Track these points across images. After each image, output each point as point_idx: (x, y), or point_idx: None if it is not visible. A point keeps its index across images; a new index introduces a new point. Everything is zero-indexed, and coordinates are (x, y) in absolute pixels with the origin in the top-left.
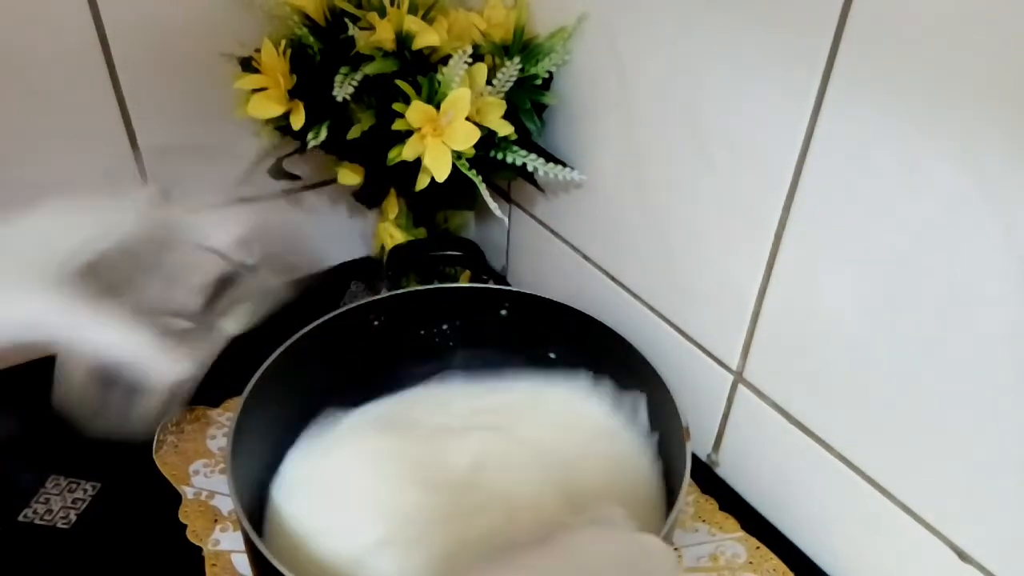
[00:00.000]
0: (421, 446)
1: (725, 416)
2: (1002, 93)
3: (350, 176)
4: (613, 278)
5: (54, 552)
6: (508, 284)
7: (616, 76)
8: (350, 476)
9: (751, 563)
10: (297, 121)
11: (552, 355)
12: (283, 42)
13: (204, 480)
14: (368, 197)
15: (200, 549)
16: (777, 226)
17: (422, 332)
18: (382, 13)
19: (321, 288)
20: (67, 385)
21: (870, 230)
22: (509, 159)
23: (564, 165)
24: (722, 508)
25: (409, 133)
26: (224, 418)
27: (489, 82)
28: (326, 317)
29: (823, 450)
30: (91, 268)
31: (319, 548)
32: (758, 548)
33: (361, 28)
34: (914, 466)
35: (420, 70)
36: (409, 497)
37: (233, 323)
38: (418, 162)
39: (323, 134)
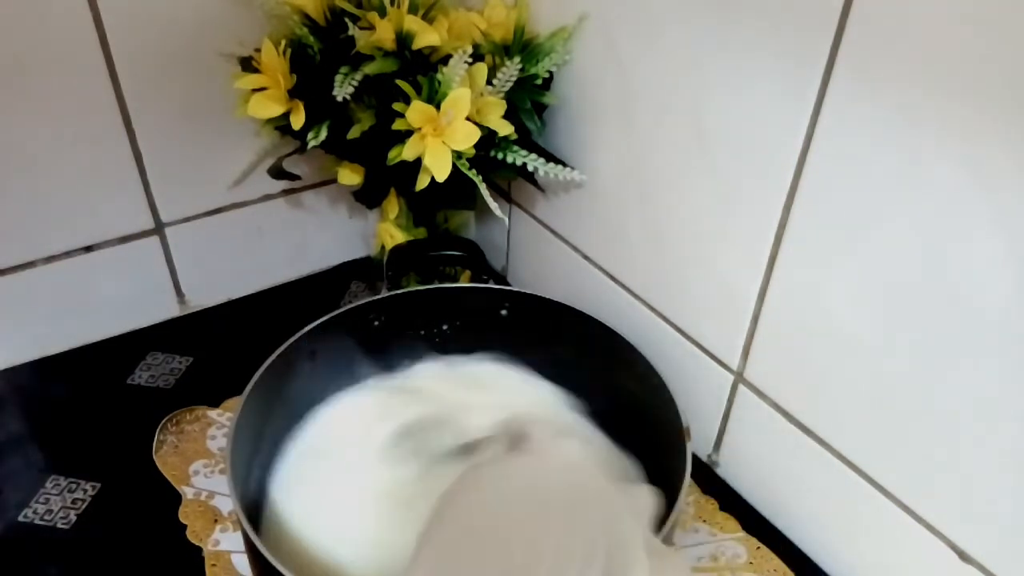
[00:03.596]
0: (421, 446)
1: (725, 416)
2: (1003, 92)
3: (350, 176)
4: (613, 278)
5: (54, 552)
6: (508, 284)
7: (616, 76)
8: (350, 475)
9: (752, 563)
10: (297, 121)
11: (551, 355)
12: (283, 42)
13: (204, 480)
14: (368, 197)
15: (200, 549)
16: (777, 226)
17: (422, 332)
18: (382, 13)
19: (321, 288)
20: None
21: (870, 230)
22: (509, 159)
23: (564, 165)
24: (722, 508)
25: (409, 133)
26: (224, 418)
27: (489, 82)
28: (326, 317)
29: (824, 450)
30: None
31: (318, 548)
32: (759, 548)
33: (361, 28)
34: (915, 466)
35: (420, 70)
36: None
37: None
38: (418, 162)
39: (323, 134)
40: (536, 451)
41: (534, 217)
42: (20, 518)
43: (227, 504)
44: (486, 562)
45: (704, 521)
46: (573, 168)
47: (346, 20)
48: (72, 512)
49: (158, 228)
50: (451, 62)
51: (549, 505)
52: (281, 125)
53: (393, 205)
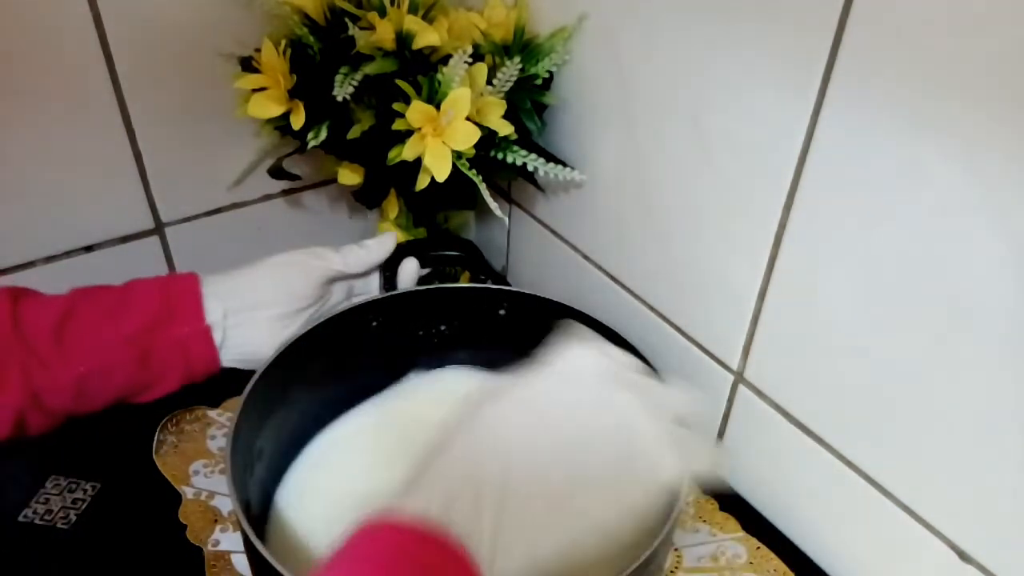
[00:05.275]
0: (421, 445)
1: (725, 416)
2: (1003, 93)
3: (350, 176)
4: (613, 278)
5: (54, 552)
6: (508, 284)
7: (616, 76)
8: (349, 475)
9: (752, 563)
10: (297, 121)
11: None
12: (283, 42)
13: (204, 480)
14: (368, 197)
15: (200, 549)
16: (777, 227)
17: (421, 332)
18: (382, 13)
19: None
20: None
21: (870, 230)
22: (509, 159)
23: (564, 165)
24: (722, 508)
25: (409, 133)
26: (224, 418)
27: (489, 82)
28: (325, 317)
29: (823, 450)
30: None
31: (318, 548)
32: (759, 548)
33: (361, 28)
34: (914, 466)
35: (420, 70)
36: None
37: None
38: (418, 162)
39: (323, 134)
40: (551, 362)
41: (534, 217)
42: (20, 518)
43: (227, 504)
44: (521, 488)
45: (704, 521)
46: (573, 168)
47: (346, 20)
48: (72, 512)
49: (158, 228)
50: (451, 62)
51: (585, 420)
52: (281, 125)
53: (393, 205)
